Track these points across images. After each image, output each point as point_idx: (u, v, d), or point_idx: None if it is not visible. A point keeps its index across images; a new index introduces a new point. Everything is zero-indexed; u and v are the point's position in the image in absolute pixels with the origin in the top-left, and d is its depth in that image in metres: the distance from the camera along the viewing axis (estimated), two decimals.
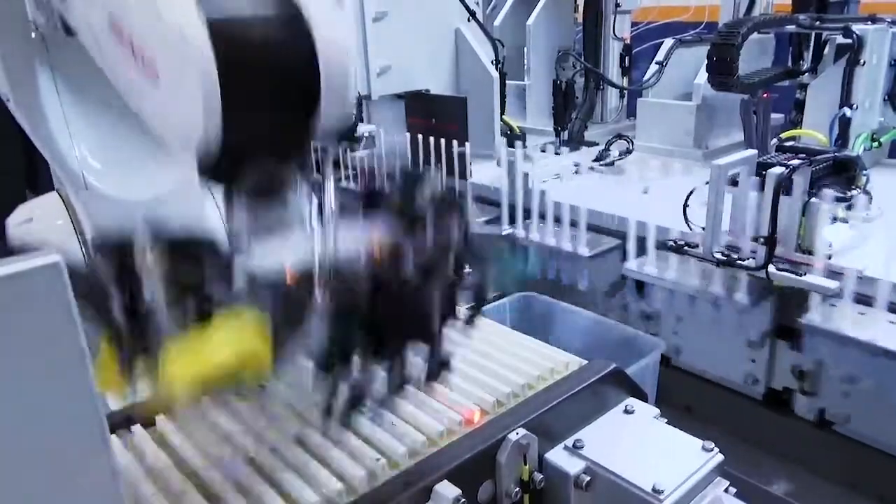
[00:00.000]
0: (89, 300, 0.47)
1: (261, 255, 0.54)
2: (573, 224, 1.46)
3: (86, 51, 0.64)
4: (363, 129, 1.91)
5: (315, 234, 0.54)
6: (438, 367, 0.61)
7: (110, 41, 0.57)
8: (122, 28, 0.55)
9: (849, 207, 1.35)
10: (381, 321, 0.55)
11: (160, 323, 0.53)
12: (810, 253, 1.17)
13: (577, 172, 1.91)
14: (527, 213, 1.58)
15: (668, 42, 2.12)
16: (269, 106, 0.53)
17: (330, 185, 0.55)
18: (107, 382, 0.54)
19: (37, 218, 0.91)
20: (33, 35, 0.78)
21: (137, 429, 0.70)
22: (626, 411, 0.75)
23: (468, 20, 2.10)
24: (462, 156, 1.67)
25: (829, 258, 1.17)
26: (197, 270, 0.52)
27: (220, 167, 0.53)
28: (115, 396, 0.59)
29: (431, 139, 1.69)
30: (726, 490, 0.67)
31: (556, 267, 1.55)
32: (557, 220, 1.52)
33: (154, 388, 0.51)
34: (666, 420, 0.74)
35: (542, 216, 1.57)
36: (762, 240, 1.15)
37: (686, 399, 1.44)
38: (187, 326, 0.53)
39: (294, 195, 0.55)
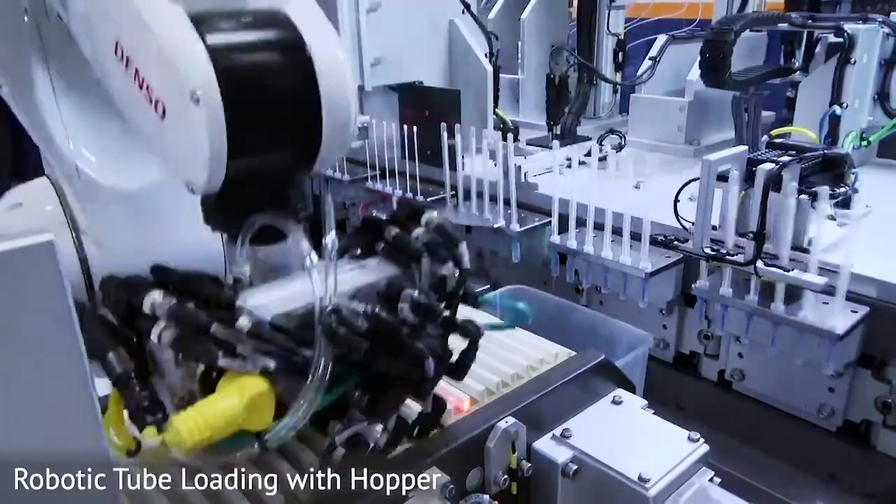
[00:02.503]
0: (93, 347, 0.44)
1: (262, 296, 0.53)
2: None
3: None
4: (358, 119, 1.90)
5: (314, 277, 0.52)
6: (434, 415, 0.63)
7: (115, 62, 0.54)
8: (130, 60, 0.52)
9: (837, 205, 1.36)
10: (378, 373, 0.55)
11: (168, 369, 0.53)
12: (800, 249, 1.18)
13: (569, 167, 1.90)
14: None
15: (662, 38, 2.13)
16: (271, 142, 0.53)
17: (331, 222, 0.54)
18: (116, 430, 0.54)
19: (27, 204, 0.89)
20: (25, 19, 0.74)
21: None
22: (614, 402, 0.76)
23: (462, 13, 2.09)
24: (452, 148, 1.67)
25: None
26: (202, 313, 0.50)
27: (223, 214, 0.55)
28: (121, 446, 0.55)
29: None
30: (711, 480, 0.68)
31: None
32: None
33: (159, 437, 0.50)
34: (653, 411, 0.75)
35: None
36: (751, 235, 1.16)
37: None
38: (194, 375, 0.53)
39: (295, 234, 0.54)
